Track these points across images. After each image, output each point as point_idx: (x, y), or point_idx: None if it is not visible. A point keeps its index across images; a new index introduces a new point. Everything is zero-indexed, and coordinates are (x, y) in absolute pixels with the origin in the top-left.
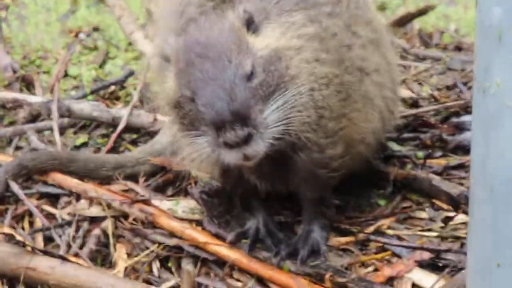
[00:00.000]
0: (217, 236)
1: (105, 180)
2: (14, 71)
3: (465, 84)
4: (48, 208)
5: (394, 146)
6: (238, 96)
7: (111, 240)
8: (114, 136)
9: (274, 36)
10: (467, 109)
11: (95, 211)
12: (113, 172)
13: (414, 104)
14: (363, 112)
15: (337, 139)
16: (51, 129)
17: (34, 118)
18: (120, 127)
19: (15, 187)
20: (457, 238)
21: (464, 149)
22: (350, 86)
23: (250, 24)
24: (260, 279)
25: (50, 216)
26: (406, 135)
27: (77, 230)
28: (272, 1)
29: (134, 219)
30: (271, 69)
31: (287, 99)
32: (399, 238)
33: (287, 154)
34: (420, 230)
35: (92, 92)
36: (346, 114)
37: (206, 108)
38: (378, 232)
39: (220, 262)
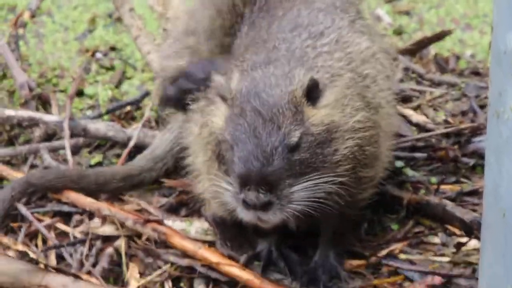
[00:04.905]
0: (229, 257)
1: (115, 192)
2: (31, 89)
3: (481, 108)
4: (62, 226)
5: (408, 171)
6: (274, 163)
7: (124, 259)
8: (125, 152)
9: (331, 112)
10: (481, 132)
11: (108, 230)
12: (122, 183)
13: (429, 130)
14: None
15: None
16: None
17: (49, 137)
18: (131, 144)
19: (22, 208)
20: (469, 263)
21: (478, 174)
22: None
23: (311, 93)
24: None
25: (63, 234)
26: (419, 158)
27: (90, 249)
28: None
29: (147, 239)
30: (317, 152)
31: (319, 182)
32: (411, 262)
33: None
34: (432, 255)
35: (107, 112)
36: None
37: (240, 161)
38: (391, 256)
39: (233, 283)
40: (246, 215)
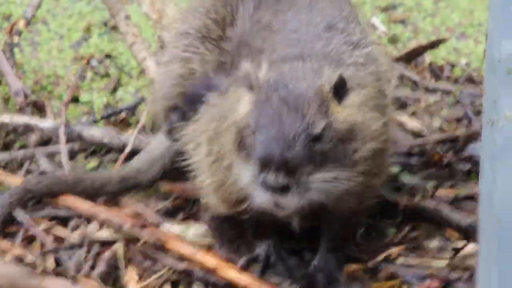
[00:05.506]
0: (227, 261)
1: (112, 196)
2: (26, 96)
3: (476, 115)
4: (59, 231)
5: (404, 177)
6: (296, 148)
7: (122, 263)
8: (121, 159)
9: (355, 113)
10: (475, 138)
11: (105, 234)
12: (119, 185)
13: (424, 136)
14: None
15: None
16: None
17: (45, 142)
18: (127, 150)
19: (19, 214)
20: (467, 268)
21: (473, 180)
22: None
23: (339, 90)
24: None
25: (60, 239)
26: (414, 164)
27: (87, 253)
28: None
29: (145, 243)
30: (338, 146)
31: (338, 176)
32: (409, 266)
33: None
34: (429, 259)
35: (102, 118)
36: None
37: (262, 145)
38: (388, 260)
39: (231, 287)
40: (262, 199)
